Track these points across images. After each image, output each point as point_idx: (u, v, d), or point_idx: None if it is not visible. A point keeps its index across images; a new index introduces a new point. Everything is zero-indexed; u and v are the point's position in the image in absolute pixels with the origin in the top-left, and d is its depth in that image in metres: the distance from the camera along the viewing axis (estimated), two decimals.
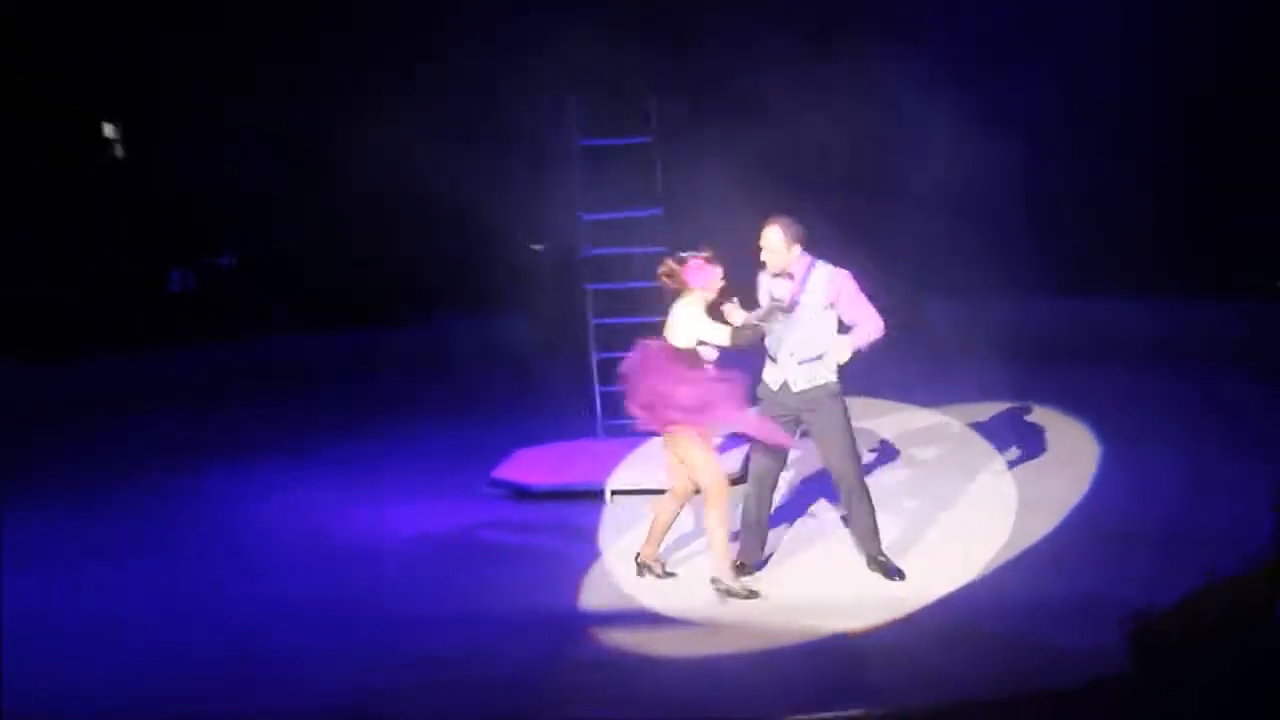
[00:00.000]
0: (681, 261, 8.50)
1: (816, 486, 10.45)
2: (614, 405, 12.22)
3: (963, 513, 10.02)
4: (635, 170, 11.98)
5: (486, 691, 7.48)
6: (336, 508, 11.16)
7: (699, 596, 8.74)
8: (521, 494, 10.94)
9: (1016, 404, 12.72)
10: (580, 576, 9.30)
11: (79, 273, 17.92)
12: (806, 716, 6.53)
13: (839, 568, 9.05)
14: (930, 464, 11.32)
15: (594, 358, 11.97)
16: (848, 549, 9.12)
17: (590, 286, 12.03)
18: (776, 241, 8.44)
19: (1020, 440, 11.61)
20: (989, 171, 14.73)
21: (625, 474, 10.93)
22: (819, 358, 8.50)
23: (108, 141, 19.56)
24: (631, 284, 11.69)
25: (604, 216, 11.94)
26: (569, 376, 13.44)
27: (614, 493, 10.70)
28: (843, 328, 8.57)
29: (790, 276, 8.50)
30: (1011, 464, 11.00)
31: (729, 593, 8.56)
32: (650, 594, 8.91)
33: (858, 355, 8.52)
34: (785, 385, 8.55)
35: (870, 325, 8.49)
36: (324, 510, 11.14)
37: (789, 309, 8.47)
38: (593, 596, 8.95)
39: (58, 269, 17.80)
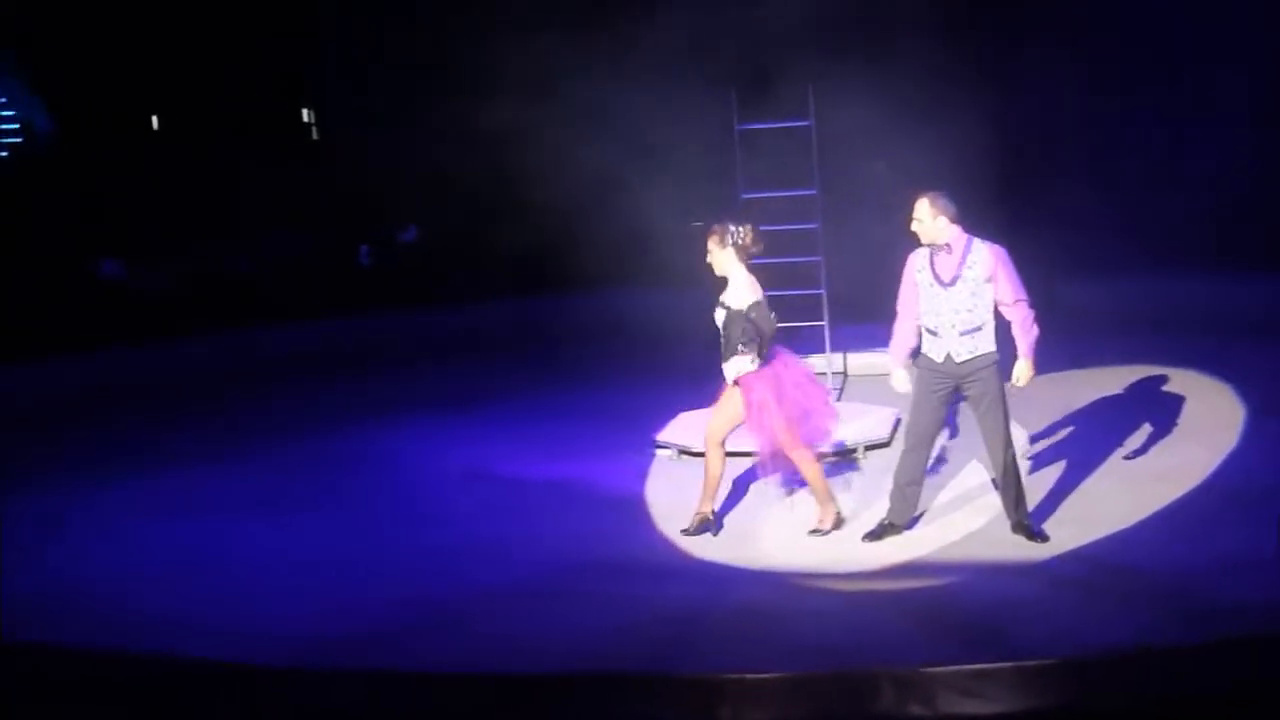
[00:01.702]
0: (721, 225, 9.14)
1: (966, 451, 10.79)
2: None
3: (1099, 479, 10.13)
4: (794, 152, 12.46)
5: (639, 636, 7.76)
6: (505, 463, 11.56)
7: (842, 550, 9.10)
8: (681, 453, 11.30)
9: (1159, 375, 12.80)
10: (732, 530, 9.65)
11: (280, 248, 18.93)
12: (945, 668, 6.54)
13: (983, 527, 9.34)
14: (1066, 430, 11.47)
15: None
16: (993, 511, 9.36)
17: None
18: (924, 213, 8.77)
19: (1160, 409, 11.67)
20: (1134, 152, 14.86)
21: None
22: (979, 329, 8.80)
23: (304, 125, 20.63)
24: (786, 259, 12.26)
25: (762, 195, 12.37)
26: None
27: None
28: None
29: (949, 250, 8.85)
30: (1150, 431, 11.08)
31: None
32: (796, 547, 9.24)
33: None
34: (949, 357, 8.84)
35: (1024, 318, 8.79)
36: (494, 465, 11.53)
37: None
38: (742, 549, 9.29)
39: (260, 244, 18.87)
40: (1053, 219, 15.45)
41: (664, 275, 17.54)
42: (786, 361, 9.41)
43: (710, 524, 9.55)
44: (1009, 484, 9.05)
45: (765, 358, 9.21)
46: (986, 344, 8.84)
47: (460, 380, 15.23)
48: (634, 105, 15.68)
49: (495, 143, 17.66)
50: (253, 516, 10.49)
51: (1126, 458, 10.57)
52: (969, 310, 8.80)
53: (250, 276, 18.47)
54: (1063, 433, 11.44)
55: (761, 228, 12.10)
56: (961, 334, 8.81)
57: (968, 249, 8.82)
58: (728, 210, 9.49)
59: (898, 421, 11.47)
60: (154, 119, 21.12)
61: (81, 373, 15.65)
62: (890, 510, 9.29)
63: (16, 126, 21.58)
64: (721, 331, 9.26)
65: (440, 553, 9.48)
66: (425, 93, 18.56)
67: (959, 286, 8.81)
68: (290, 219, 19.23)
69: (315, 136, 20.90)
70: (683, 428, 11.68)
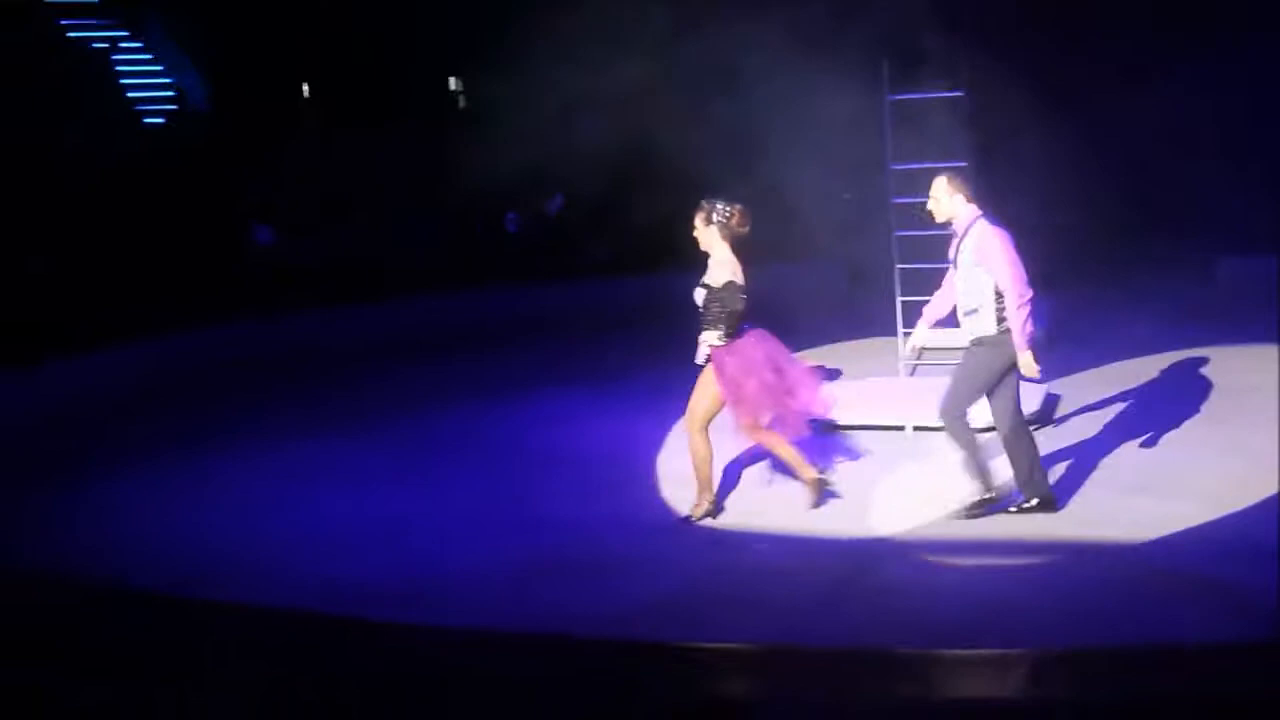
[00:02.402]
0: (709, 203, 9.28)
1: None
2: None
3: (1217, 460, 9.93)
4: (945, 123, 12.29)
5: (782, 612, 7.73)
6: (642, 436, 11.61)
7: (985, 526, 8.96)
8: (827, 427, 11.09)
9: None
10: (876, 506, 9.57)
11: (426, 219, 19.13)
12: (1107, 646, 6.47)
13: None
14: (1207, 411, 11.29)
15: (899, 300, 12.44)
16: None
17: (897, 233, 12.46)
18: (939, 191, 8.91)
19: None
20: None
21: (929, 411, 11.10)
22: (976, 311, 8.81)
23: (453, 94, 20.83)
24: (934, 230, 12.11)
25: (911, 166, 12.20)
26: (875, 318, 13.82)
27: (916, 428, 10.97)
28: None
29: (955, 231, 8.94)
30: None
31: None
32: (940, 523, 9.12)
33: (1034, 355, 8.73)
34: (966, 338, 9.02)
35: (1012, 308, 8.67)
36: (630, 439, 11.58)
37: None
38: (887, 525, 9.20)
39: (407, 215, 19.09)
40: (1216, 203, 15.14)
41: (809, 248, 17.57)
42: (759, 341, 9.46)
43: (711, 512, 9.56)
44: (1013, 462, 9.02)
45: (734, 335, 9.29)
46: (984, 327, 8.82)
47: (591, 355, 15.25)
48: (781, 73, 15.60)
49: (636, 112, 17.67)
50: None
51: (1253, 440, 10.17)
52: (965, 293, 8.88)
53: (396, 248, 18.67)
54: (1201, 410, 11.27)
55: (913, 200, 12.07)
56: (964, 315, 8.91)
57: (966, 231, 8.85)
58: (722, 191, 9.58)
59: (1047, 398, 11.31)
60: (305, 87, 21.46)
61: (231, 340, 16.04)
62: (981, 487, 9.17)
63: (172, 94, 22.08)
64: (701, 310, 9.38)
65: (565, 521, 9.65)
66: (570, 60, 18.60)
67: (959, 269, 8.90)
68: (437, 189, 19.42)
69: (463, 105, 21.07)
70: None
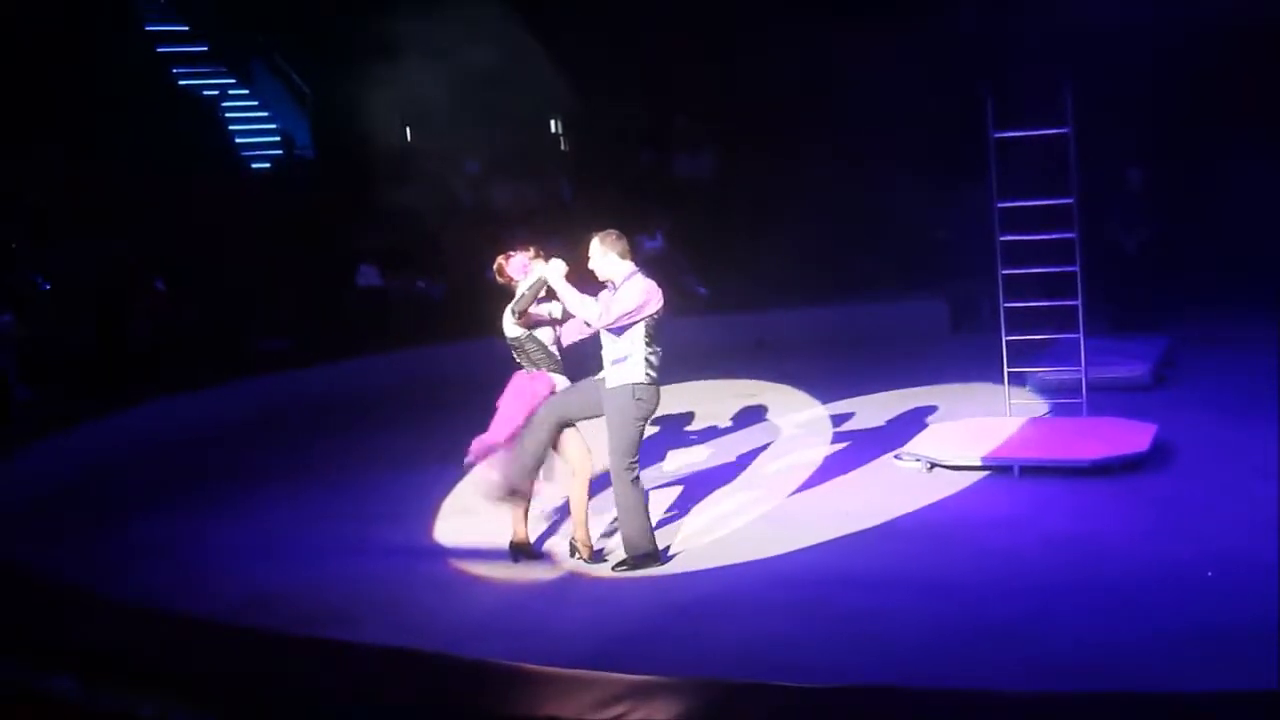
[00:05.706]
0: (508, 258, 9.49)
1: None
2: (1022, 383, 12.62)
3: None
4: (1052, 158, 12.15)
5: (886, 653, 7.61)
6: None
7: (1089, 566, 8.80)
8: (931, 467, 11.05)
9: None
10: (980, 547, 9.34)
11: None
12: None
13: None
14: None
15: (1005, 339, 12.23)
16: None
17: (1003, 271, 12.33)
18: (593, 251, 9.19)
19: None
20: None
21: (1034, 451, 11.04)
22: (626, 359, 9.06)
23: None
24: (1043, 268, 12.00)
25: (1017, 204, 12.09)
26: (980, 356, 13.67)
27: (1022, 469, 10.78)
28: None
29: (613, 288, 9.14)
30: None
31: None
32: (1051, 563, 8.91)
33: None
34: None
35: (590, 310, 9.08)
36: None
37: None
38: (992, 565, 8.94)
39: None
40: None
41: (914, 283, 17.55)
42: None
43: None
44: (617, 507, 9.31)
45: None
46: (633, 375, 9.06)
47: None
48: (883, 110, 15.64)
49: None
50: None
51: None
52: (614, 342, 9.12)
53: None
54: None
55: (1016, 237, 12.05)
56: (611, 363, 9.16)
57: (622, 283, 9.12)
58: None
59: (1156, 435, 11.11)
60: (407, 131, 21.69)
61: (340, 378, 16.30)
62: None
63: (278, 139, 22.46)
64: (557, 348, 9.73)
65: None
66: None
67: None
68: None
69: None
70: (934, 440, 11.56)
